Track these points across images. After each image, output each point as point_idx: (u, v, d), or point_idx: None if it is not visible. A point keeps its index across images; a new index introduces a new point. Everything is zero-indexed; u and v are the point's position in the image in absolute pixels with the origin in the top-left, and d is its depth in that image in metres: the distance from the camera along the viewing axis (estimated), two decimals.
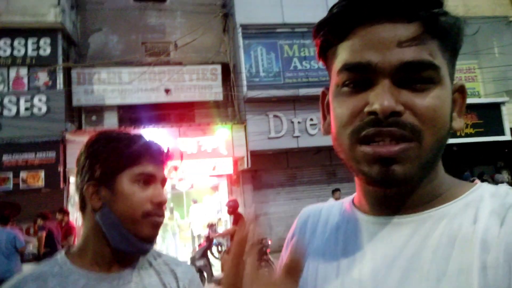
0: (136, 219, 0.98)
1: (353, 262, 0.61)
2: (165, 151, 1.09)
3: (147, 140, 1.07)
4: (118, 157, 1.01)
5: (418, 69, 0.54)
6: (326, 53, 0.64)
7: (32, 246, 7.17)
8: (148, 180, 1.02)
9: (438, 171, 0.61)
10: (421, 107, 0.54)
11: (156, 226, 1.02)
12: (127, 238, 0.99)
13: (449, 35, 0.57)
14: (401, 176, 0.54)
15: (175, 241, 10.39)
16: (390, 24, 0.55)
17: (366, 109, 0.55)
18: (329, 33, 0.60)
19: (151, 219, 1.00)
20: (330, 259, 0.65)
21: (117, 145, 1.02)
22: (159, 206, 1.01)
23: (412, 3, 0.54)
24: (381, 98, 0.54)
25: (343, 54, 0.58)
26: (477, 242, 0.51)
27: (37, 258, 7.00)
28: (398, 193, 0.59)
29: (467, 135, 10.90)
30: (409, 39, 0.54)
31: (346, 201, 0.72)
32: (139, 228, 0.99)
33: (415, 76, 0.55)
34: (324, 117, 0.67)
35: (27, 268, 6.54)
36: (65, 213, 7.70)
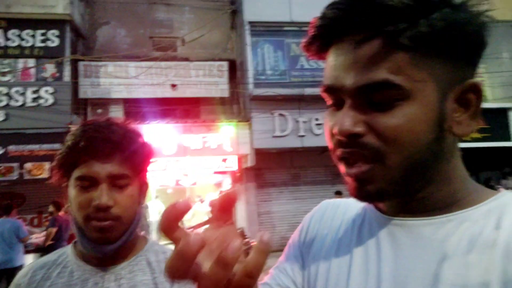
0: (81, 223, 0.98)
1: (368, 261, 0.60)
2: (120, 143, 0.99)
3: (95, 133, 0.99)
4: (63, 161, 1.00)
5: (375, 90, 0.52)
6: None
7: (34, 237, 7.16)
8: (88, 182, 0.97)
9: (451, 176, 0.58)
10: (383, 128, 0.52)
11: (100, 230, 0.96)
12: (82, 240, 1.00)
13: (432, 42, 0.51)
14: (374, 193, 0.56)
15: None
16: (351, 44, 0.53)
17: (332, 130, 0.57)
18: (315, 53, 0.62)
19: (92, 223, 0.96)
20: (344, 254, 0.64)
21: (66, 145, 1.00)
22: (99, 209, 0.95)
23: (375, 19, 0.50)
24: (340, 121, 0.54)
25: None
26: (500, 249, 0.49)
27: (41, 249, 7.00)
28: (398, 201, 0.59)
29: (474, 140, 10.79)
30: (366, 59, 0.52)
31: None
32: (86, 231, 0.98)
33: (377, 96, 0.52)
34: None
35: (29, 258, 6.60)
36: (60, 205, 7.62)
